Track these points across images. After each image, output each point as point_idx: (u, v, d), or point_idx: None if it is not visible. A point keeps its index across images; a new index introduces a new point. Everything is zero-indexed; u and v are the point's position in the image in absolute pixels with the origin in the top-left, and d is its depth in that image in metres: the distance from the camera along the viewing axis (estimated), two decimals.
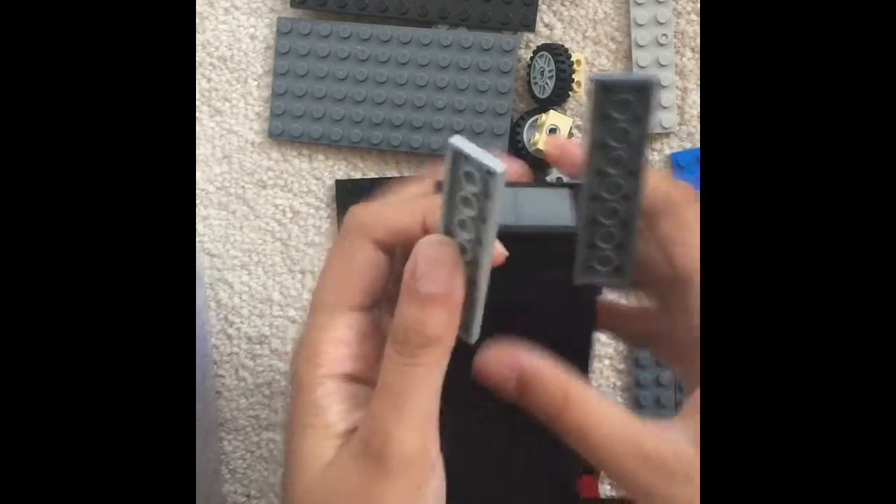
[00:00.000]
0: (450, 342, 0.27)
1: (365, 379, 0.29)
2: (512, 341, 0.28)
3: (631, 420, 0.27)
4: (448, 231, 0.26)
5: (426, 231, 0.29)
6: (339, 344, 0.29)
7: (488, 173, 0.24)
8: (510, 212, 0.29)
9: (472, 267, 0.26)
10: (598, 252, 0.28)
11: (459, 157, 0.24)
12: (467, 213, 0.25)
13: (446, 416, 0.33)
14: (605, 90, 0.25)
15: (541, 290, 0.29)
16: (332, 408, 0.28)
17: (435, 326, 0.26)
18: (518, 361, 0.28)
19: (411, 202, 0.30)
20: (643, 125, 0.25)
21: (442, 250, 0.26)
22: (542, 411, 0.28)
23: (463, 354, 0.30)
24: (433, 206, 0.28)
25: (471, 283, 0.26)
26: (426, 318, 0.26)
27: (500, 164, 0.23)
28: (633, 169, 0.26)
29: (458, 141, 0.24)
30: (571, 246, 0.28)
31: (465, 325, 0.27)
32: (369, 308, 0.30)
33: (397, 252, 0.30)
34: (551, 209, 0.30)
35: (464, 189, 0.25)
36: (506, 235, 0.27)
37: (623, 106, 0.25)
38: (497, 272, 0.27)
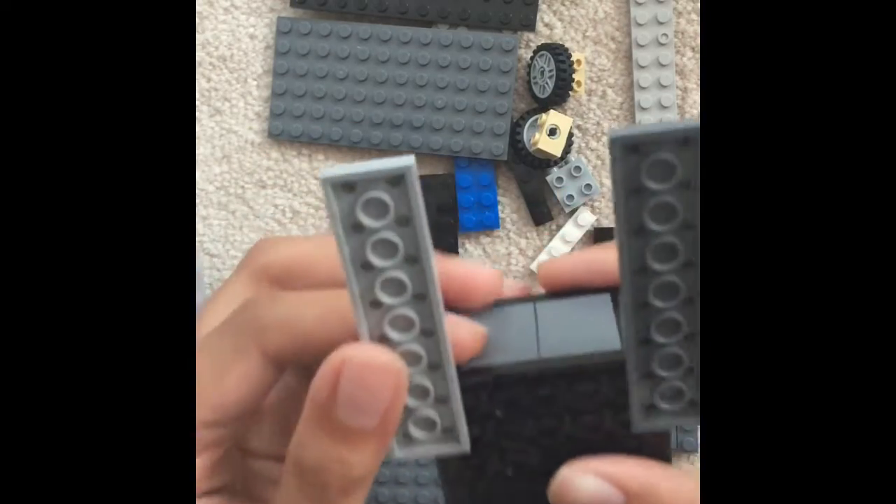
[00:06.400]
0: (375, 475, 0.20)
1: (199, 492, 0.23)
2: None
3: None
4: (366, 311, 0.18)
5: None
6: None
7: (393, 181, 0.16)
8: (529, 341, 0.21)
9: (424, 341, 0.19)
10: (659, 384, 0.20)
11: (340, 190, 0.17)
12: (388, 263, 0.17)
13: None
14: (632, 152, 0.17)
15: (587, 441, 0.21)
16: None
17: (363, 466, 0.19)
18: (624, 474, 0.21)
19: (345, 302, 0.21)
20: (696, 192, 0.18)
21: (378, 366, 0.18)
22: None
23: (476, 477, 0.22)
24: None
25: (432, 369, 0.19)
26: (351, 456, 0.19)
27: (405, 158, 0.17)
28: (693, 258, 0.18)
29: (330, 171, 0.17)
30: (622, 378, 0.20)
31: (449, 431, 0.20)
32: (224, 424, 0.23)
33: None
34: (587, 327, 0.21)
35: (370, 231, 0.17)
36: (524, 377, 0.20)
37: (663, 170, 0.17)
38: (523, 423, 0.20)
